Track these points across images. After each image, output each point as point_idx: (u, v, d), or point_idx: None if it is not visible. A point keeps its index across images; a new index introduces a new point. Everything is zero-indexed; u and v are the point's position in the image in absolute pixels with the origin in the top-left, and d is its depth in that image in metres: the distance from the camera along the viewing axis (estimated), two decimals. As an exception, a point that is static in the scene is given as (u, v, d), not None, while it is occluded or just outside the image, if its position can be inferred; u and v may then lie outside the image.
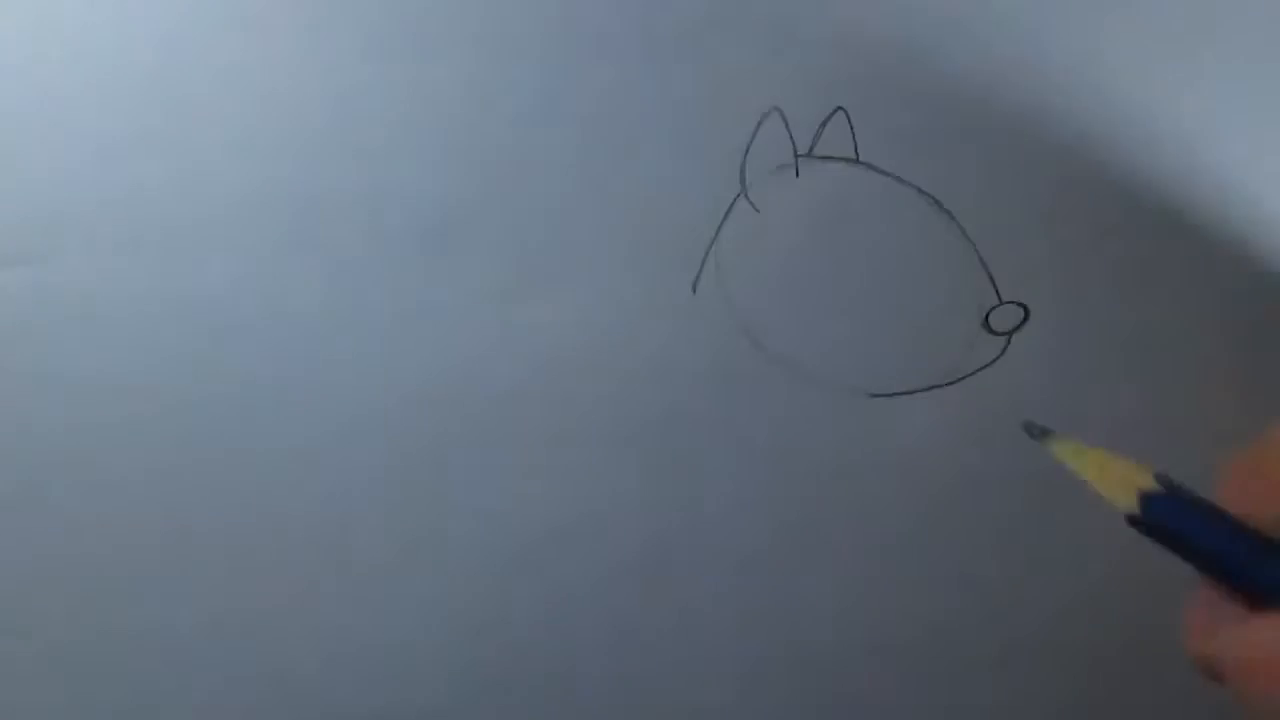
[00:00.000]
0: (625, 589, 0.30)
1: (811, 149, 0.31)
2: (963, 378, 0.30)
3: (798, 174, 0.31)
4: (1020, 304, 0.30)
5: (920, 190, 0.31)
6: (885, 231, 0.30)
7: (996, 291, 0.31)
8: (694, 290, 0.30)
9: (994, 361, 0.30)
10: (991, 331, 0.30)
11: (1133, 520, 0.22)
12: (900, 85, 0.31)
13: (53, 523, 0.29)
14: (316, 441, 0.30)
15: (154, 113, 0.30)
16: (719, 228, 0.30)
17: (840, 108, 0.31)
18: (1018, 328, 0.30)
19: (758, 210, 0.31)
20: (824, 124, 0.31)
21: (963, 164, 0.30)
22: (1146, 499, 0.22)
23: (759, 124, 0.31)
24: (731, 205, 0.31)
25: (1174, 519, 0.22)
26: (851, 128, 0.31)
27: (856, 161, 0.31)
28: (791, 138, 0.31)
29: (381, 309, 0.30)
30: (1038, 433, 0.25)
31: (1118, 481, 0.23)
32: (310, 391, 0.30)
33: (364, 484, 0.30)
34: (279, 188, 0.30)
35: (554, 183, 0.30)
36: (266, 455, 0.30)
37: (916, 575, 0.30)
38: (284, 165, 0.30)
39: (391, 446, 0.30)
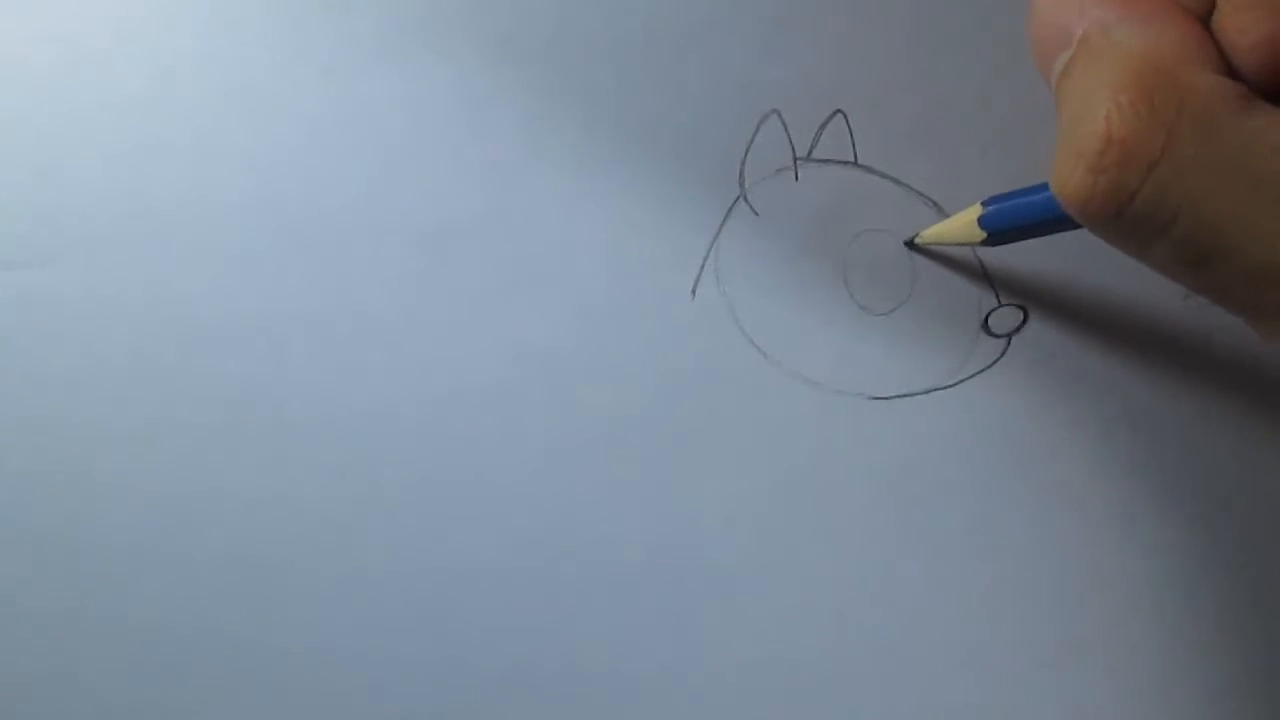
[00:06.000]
0: (623, 593, 0.29)
1: (810, 152, 0.31)
2: (963, 380, 0.30)
3: (797, 177, 0.31)
4: (1019, 306, 0.30)
5: (919, 193, 0.31)
6: (884, 235, 0.30)
7: (996, 294, 0.31)
8: (693, 294, 0.30)
9: (994, 364, 0.30)
10: (991, 334, 0.30)
11: (989, 234, 0.28)
12: (899, 88, 0.31)
13: (51, 524, 0.29)
14: (313, 445, 0.30)
15: (154, 118, 0.30)
16: (718, 231, 0.30)
17: (839, 111, 0.31)
18: (1017, 330, 0.30)
19: (757, 213, 0.31)
20: (823, 127, 0.31)
21: (962, 166, 0.30)
22: (984, 209, 0.28)
23: (758, 127, 0.31)
24: (730, 208, 0.31)
25: (1002, 200, 0.28)
26: (850, 131, 0.31)
27: (855, 164, 0.31)
28: (790, 141, 0.31)
29: (380, 312, 0.30)
30: (910, 241, 0.30)
31: (964, 223, 0.29)
32: (308, 395, 0.30)
33: (361, 487, 0.30)
34: (277, 192, 0.30)
35: (552, 185, 0.30)
36: (263, 457, 0.29)
37: (917, 577, 0.30)
38: (282, 169, 0.30)
39: (389, 450, 0.30)
